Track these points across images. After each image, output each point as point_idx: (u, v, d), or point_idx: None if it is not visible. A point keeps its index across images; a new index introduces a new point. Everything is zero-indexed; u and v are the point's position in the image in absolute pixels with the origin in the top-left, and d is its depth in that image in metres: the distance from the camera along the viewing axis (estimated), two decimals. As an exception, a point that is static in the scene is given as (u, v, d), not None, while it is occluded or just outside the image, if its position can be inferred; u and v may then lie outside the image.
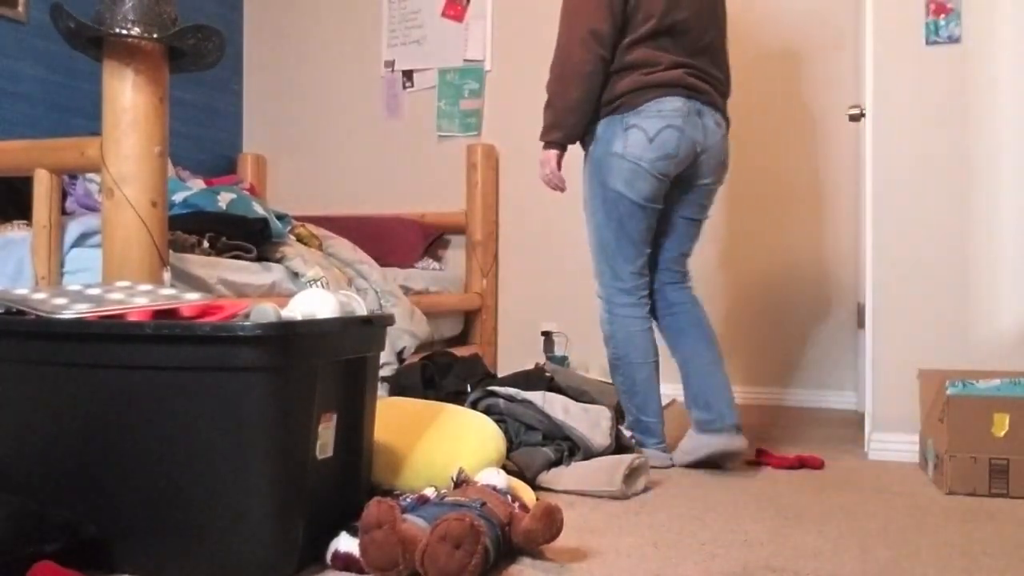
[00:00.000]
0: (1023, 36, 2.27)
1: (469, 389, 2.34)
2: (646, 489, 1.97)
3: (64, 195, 2.37)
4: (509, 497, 1.50)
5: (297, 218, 3.03)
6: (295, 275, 2.57)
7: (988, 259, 2.30)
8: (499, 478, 1.56)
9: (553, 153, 2.30)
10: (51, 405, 1.38)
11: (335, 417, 1.43)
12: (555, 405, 2.05)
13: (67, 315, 1.38)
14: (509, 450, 1.94)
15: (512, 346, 3.84)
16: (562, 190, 2.37)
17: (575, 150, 2.33)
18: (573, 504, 1.83)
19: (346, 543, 1.36)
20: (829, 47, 3.41)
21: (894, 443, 2.34)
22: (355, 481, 1.53)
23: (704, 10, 2.29)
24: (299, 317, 1.41)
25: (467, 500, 1.43)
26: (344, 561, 1.35)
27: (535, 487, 1.89)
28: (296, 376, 1.32)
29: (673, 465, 2.26)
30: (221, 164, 4.18)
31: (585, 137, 2.31)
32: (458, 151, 3.90)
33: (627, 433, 2.23)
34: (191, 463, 1.30)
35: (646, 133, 2.19)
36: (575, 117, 2.25)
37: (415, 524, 1.33)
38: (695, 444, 2.23)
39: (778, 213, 3.50)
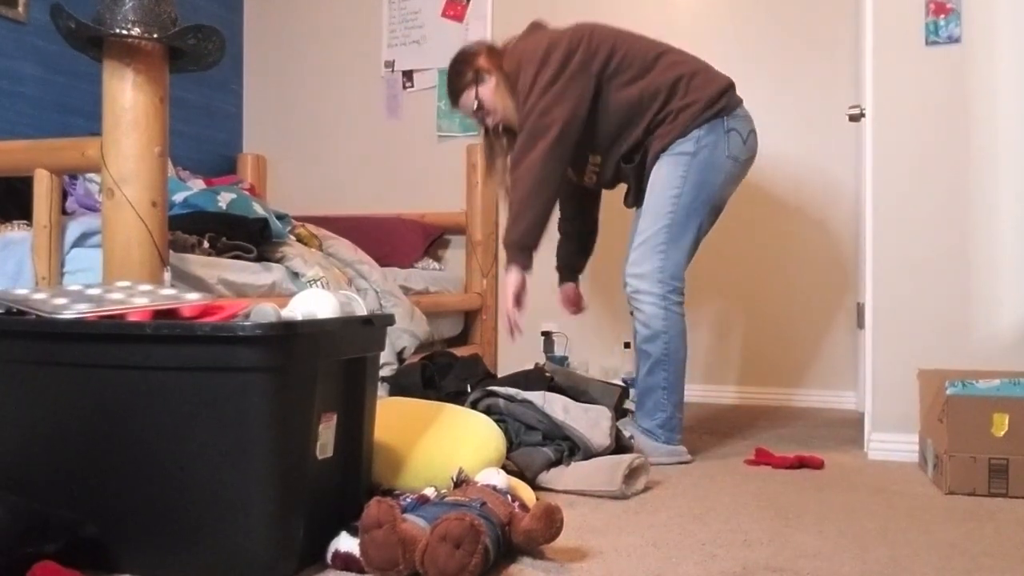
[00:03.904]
0: (1023, 36, 2.27)
1: (469, 389, 2.33)
2: (646, 489, 1.97)
3: (64, 195, 2.37)
4: (509, 497, 1.50)
5: (297, 218, 3.03)
6: (295, 275, 2.58)
7: (988, 259, 2.30)
8: (499, 478, 1.56)
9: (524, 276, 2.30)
10: (52, 405, 1.38)
11: (335, 417, 1.44)
12: (555, 405, 2.05)
13: (67, 315, 1.38)
14: (509, 450, 1.94)
15: (512, 346, 3.84)
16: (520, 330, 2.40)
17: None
18: (573, 504, 1.83)
19: (346, 543, 1.36)
20: (829, 46, 3.42)
21: (894, 443, 2.34)
22: (355, 481, 1.53)
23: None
24: (299, 317, 1.41)
25: (467, 500, 1.43)
26: (344, 561, 1.36)
27: (535, 487, 1.89)
28: (296, 376, 1.32)
29: (692, 460, 2.31)
30: (221, 164, 4.18)
31: (679, 143, 2.28)
32: (458, 151, 3.90)
33: (627, 433, 2.23)
34: (191, 463, 1.30)
35: (741, 136, 2.28)
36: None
37: (415, 524, 1.33)
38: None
39: (777, 213, 3.50)
